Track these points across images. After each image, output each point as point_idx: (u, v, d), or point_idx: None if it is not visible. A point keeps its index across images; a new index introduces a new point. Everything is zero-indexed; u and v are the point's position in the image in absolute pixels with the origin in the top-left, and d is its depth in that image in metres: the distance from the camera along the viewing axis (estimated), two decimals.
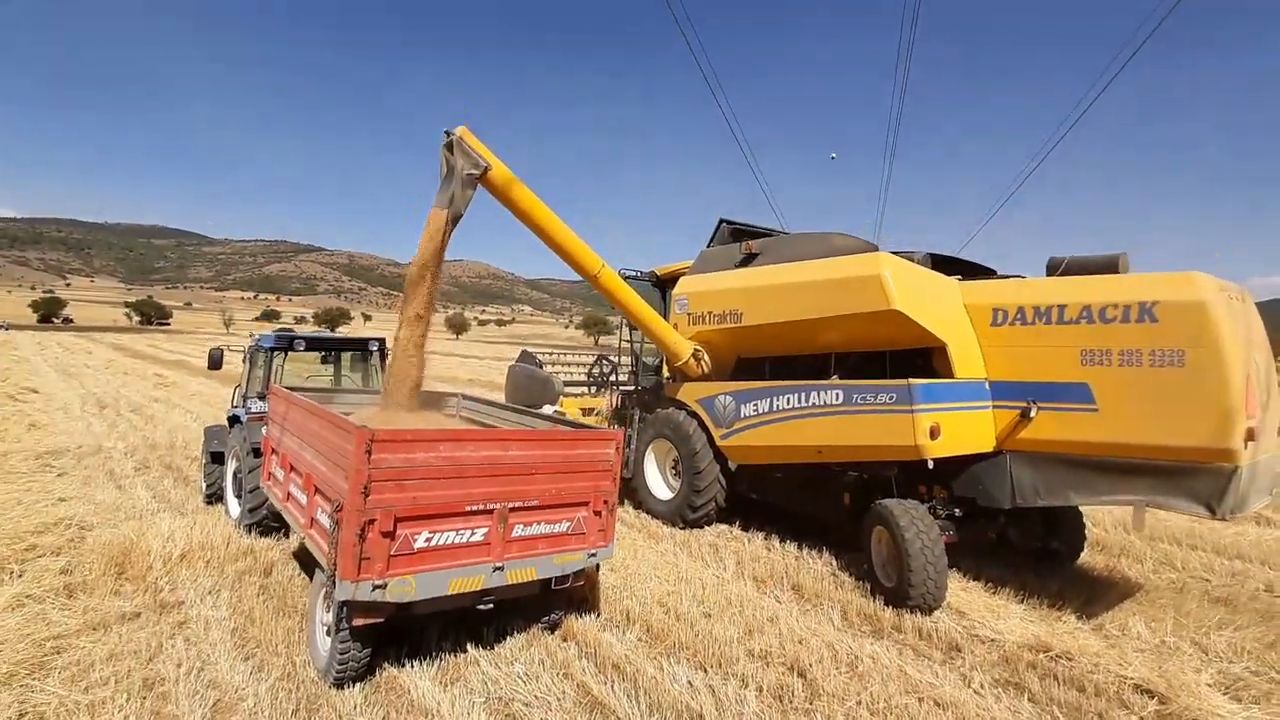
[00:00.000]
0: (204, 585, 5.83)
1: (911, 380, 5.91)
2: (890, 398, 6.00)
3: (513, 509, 4.52)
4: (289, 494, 5.31)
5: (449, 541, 4.24)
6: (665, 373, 9.05)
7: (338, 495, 4.03)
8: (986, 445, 6.20)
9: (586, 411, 9.87)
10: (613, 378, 10.24)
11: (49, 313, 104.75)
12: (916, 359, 6.52)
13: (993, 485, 6.18)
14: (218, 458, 8.17)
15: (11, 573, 5.65)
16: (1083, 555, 7.58)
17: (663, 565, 6.99)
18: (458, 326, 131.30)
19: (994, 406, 6.21)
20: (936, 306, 6.29)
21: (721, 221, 8.80)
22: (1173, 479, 5.41)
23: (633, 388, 9.68)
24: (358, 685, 4.31)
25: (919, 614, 5.83)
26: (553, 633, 5.27)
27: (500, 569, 4.45)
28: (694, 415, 8.09)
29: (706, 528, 8.41)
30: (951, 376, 6.17)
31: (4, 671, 4.06)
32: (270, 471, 6.11)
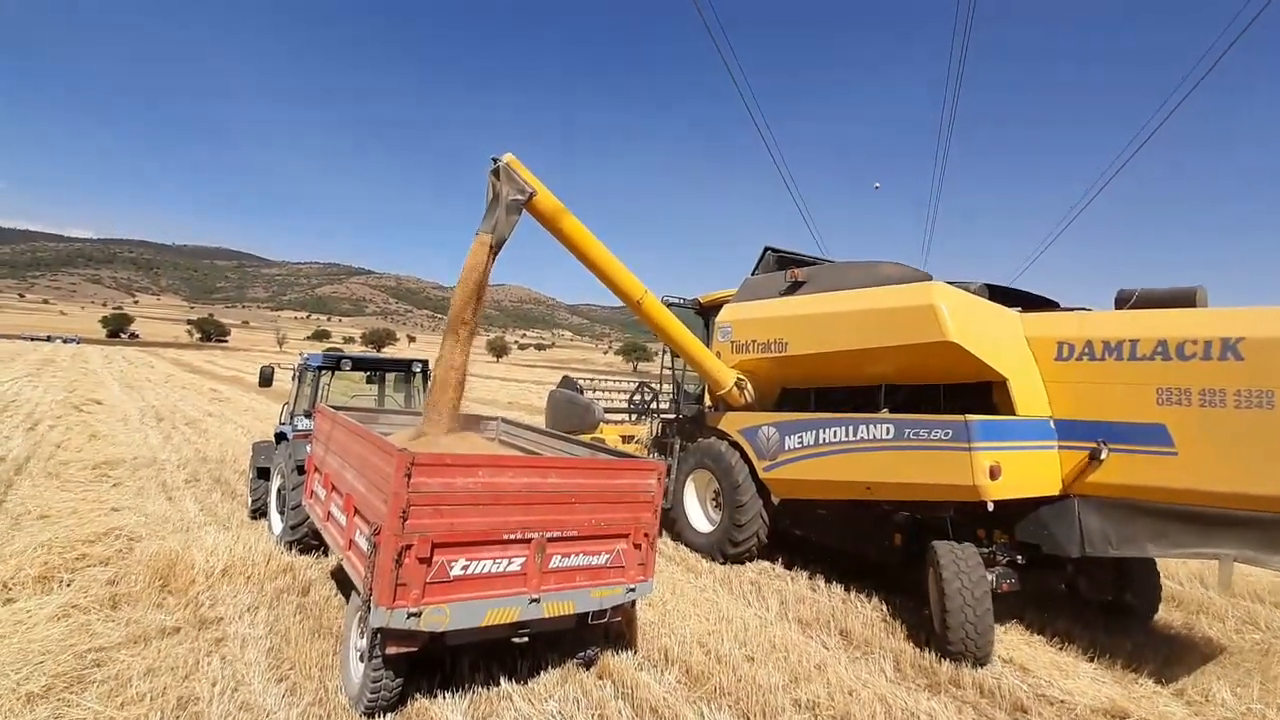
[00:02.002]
0: (243, 602, 5.84)
1: (969, 416, 5.60)
2: (946, 434, 5.68)
3: (551, 539, 4.38)
4: (329, 513, 5.30)
5: (485, 570, 4.12)
6: (707, 401, 8.86)
7: (376, 518, 3.97)
8: (1052, 488, 5.80)
9: (626, 439, 9.72)
10: (653, 405, 10.09)
11: (117, 328, 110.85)
12: (973, 394, 6.19)
13: (1059, 532, 5.76)
14: (264, 473, 8.31)
15: (61, 581, 5.77)
16: (1158, 611, 7.01)
17: (702, 602, 6.72)
18: (498, 350, 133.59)
19: (1060, 447, 5.82)
20: (996, 339, 5.98)
21: (767, 249, 8.66)
22: (1266, 532, 4.94)
23: (674, 416, 9.50)
24: (388, 716, 4.20)
25: (979, 668, 5.43)
26: (588, 669, 5.07)
27: (537, 601, 4.31)
28: (736, 446, 7.86)
29: (748, 563, 8.10)
30: (1013, 413, 5.82)
31: (43, 684, 4.08)
32: (312, 490, 6.14)
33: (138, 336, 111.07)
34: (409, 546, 3.79)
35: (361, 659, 4.23)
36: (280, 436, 7.98)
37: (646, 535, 4.86)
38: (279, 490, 7.54)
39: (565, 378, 10.19)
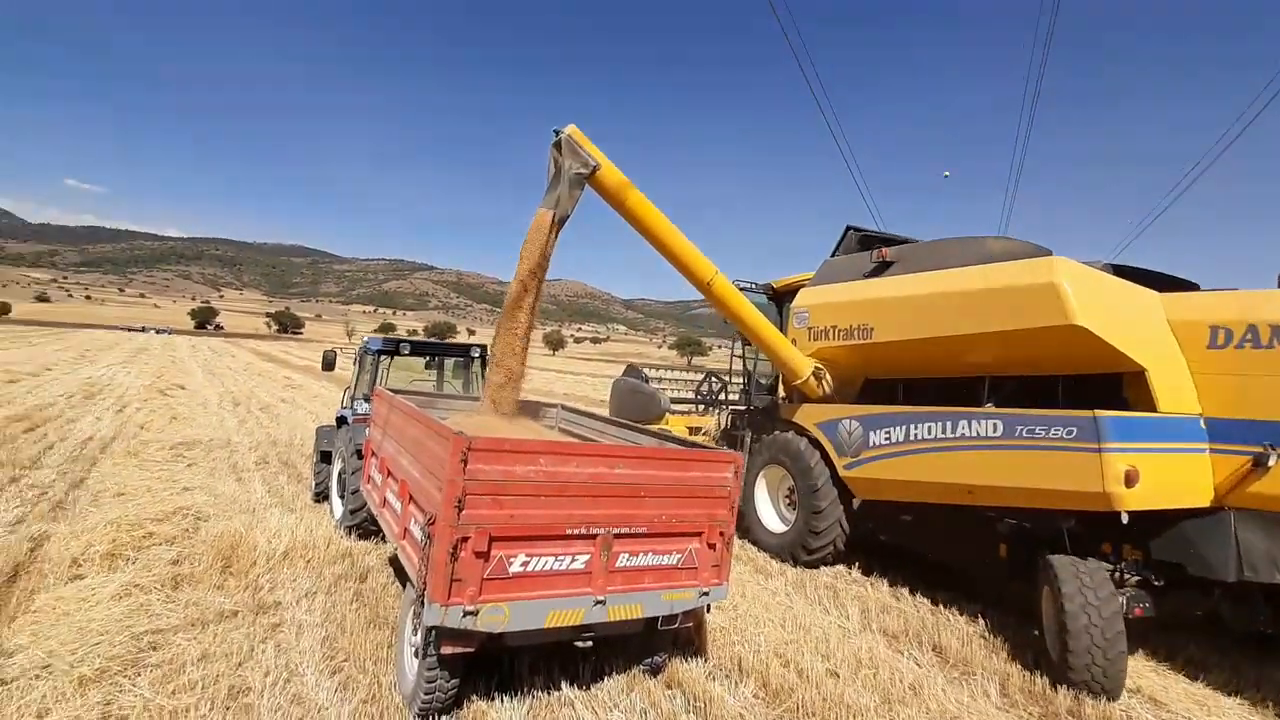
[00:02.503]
0: (301, 587, 5.70)
1: (1099, 412, 4.82)
2: (1069, 432, 4.93)
3: (618, 535, 3.96)
4: (385, 500, 5.06)
5: (547, 568, 3.74)
6: (781, 392, 8.26)
7: (431, 507, 3.65)
8: (1202, 499, 4.96)
9: (693, 431, 9.22)
10: (722, 396, 9.53)
11: (204, 320, 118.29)
12: (1100, 387, 5.39)
13: (1210, 551, 4.90)
14: (326, 457, 8.27)
15: (128, 559, 5.78)
16: None
17: (775, 607, 6.19)
18: (555, 343, 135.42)
19: (1213, 450, 4.97)
20: (1131, 323, 5.16)
21: (849, 229, 7.97)
22: None
23: (744, 407, 8.92)
24: (443, 718, 3.89)
25: (1104, 698, 4.70)
26: (654, 676, 4.64)
27: (602, 603, 3.90)
28: (813, 441, 7.25)
29: (822, 567, 7.50)
30: (1153, 409, 5.01)
31: (98, 666, 3.96)
32: (370, 474, 5.94)
33: (222, 328, 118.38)
34: (465, 539, 3.44)
35: (416, 655, 3.94)
36: (341, 420, 7.91)
37: (722, 534, 4.38)
38: (339, 474, 7.45)
39: (630, 366, 9.79)
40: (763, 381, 8.89)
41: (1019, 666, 5.26)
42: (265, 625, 4.96)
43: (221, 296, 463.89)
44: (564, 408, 7.34)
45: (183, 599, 5.18)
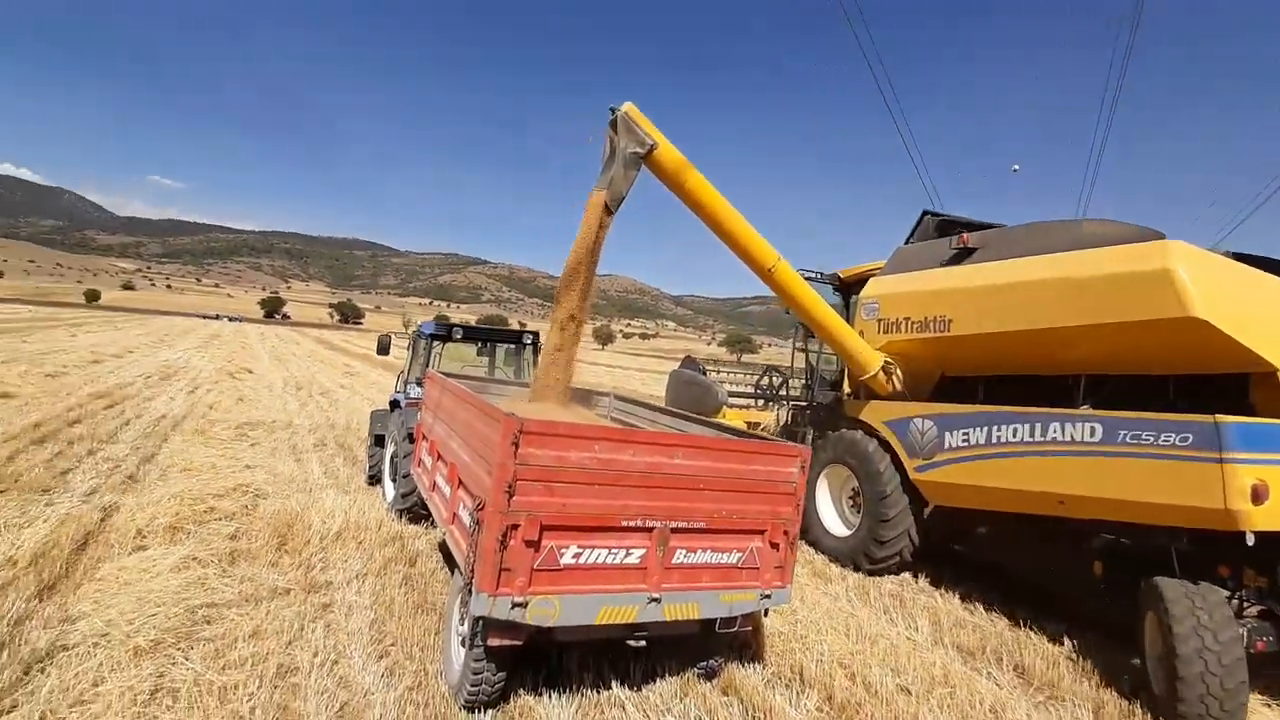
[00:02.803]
0: (352, 568, 5.68)
1: (1221, 417, 4.25)
2: (1183, 439, 4.37)
3: (675, 529, 3.71)
4: (434, 483, 4.95)
5: (600, 561, 3.52)
6: (846, 388, 7.83)
7: (480, 492, 3.47)
8: None
9: (751, 426, 8.86)
10: (782, 391, 9.12)
11: (272, 309, 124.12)
12: (1219, 389, 4.79)
13: None
14: (380, 441, 8.33)
15: (189, 533, 5.88)
16: None
17: (837, 614, 5.82)
18: (604, 338, 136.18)
19: None
20: (1260, 316, 4.55)
21: (925, 214, 7.45)
22: None
23: (806, 403, 8.50)
24: (489, 712, 3.72)
25: None
26: (709, 680, 4.38)
27: (657, 601, 3.65)
28: (881, 440, 6.80)
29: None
30: None
31: (152, 638, 3.97)
32: (420, 458, 5.87)
33: (289, 317, 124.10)
34: (515, 526, 3.25)
35: (463, 644, 3.80)
36: (394, 404, 7.93)
37: (786, 533, 4.07)
38: (391, 457, 7.46)
39: (687, 357, 9.50)
40: (826, 376, 8.44)
41: (1113, 694, 4.74)
42: (316, 605, 4.94)
43: (289, 287, 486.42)
44: (617, 396, 7.14)
45: (238, 574, 5.21)
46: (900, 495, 6.53)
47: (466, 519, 3.61)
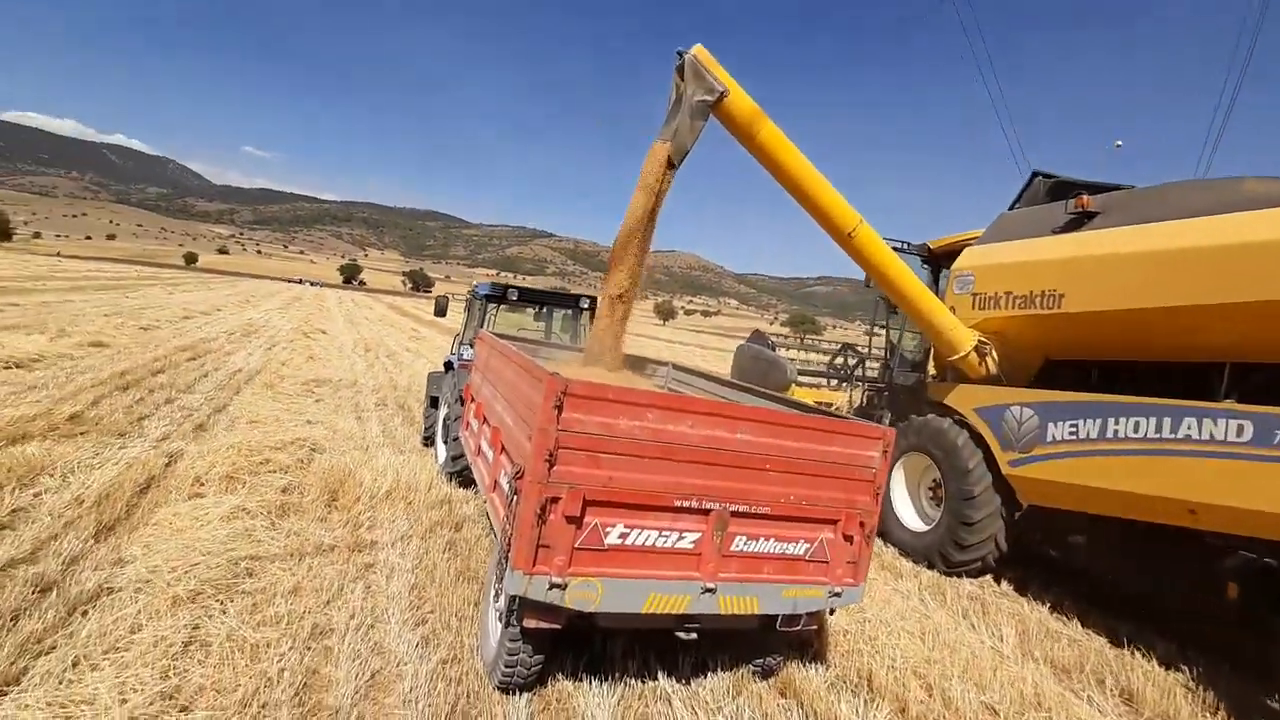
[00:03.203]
0: (398, 529, 5.56)
1: None
2: None
3: (735, 513, 3.28)
4: (479, 448, 4.69)
5: (649, 543, 3.13)
6: (931, 369, 7.11)
7: (520, 458, 3.14)
8: None
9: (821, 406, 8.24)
10: (858, 371, 8.42)
11: (350, 276, 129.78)
12: None
13: None
14: (435, 403, 8.25)
15: (243, 483, 5.89)
16: None
17: (910, 615, 5.28)
18: (665, 313, 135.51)
19: None
20: None
21: (1036, 175, 6.55)
22: None
23: (884, 384, 7.81)
24: (524, 695, 3.45)
25: None
26: (765, 679, 3.97)
27: (711, 591, 3.25)
28: (969, 429, 6.10)
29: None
30: None
31: (192, 588, 3.89)
32: (468, 421, 5.65)
33: (364, 284, 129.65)
34: (555, 499, 2.90)
35: (500, 620, 3.53)
36: (448, 366, 7.79)
37: (862, 525, 3.57)
38: (444, 419, 7.34)
39: (756, 332, 8.93)
40: (908, 355, 7.70)
41: None
42: (359, 564, 4.81)
43: (366, 255, 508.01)
44: (675, 366, 6.71)
45: (286, 527, 5.15)
46: (989, 492, 5.84)
47: (506, 488, 3.29)
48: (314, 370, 14.04)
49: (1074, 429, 5.06)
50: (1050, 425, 5.28)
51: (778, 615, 3.49)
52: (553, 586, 2.93)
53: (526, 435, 3.08)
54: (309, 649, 3.61)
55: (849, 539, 3.56)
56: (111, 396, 8.98)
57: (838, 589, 3.56)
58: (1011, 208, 6.59)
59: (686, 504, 3.17)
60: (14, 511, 4.84)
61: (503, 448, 3.76)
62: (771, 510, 3.35)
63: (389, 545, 5.21)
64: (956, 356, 6.18)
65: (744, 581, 3.35)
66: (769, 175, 5.68)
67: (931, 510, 6.51)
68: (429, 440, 8.37)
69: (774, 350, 8.22)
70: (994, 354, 6.11)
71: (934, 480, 6.48)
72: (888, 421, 7.07)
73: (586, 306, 7.84)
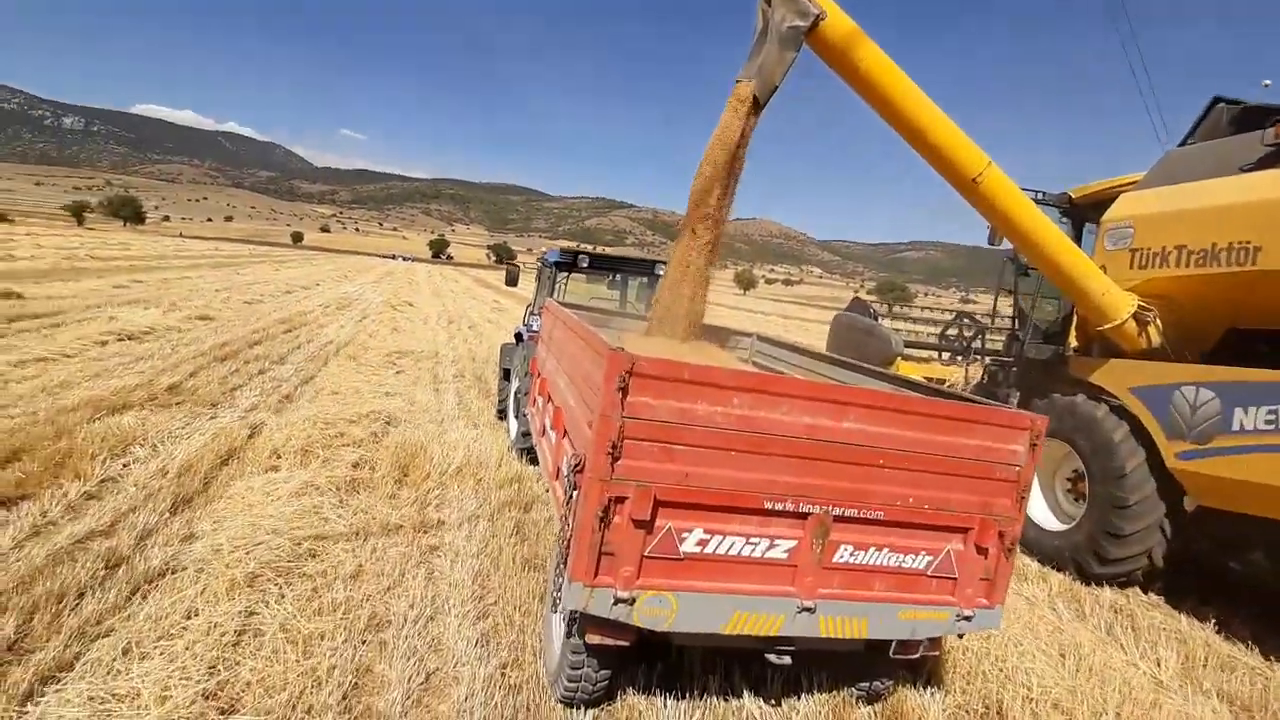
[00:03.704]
0: (467, 508, 5.32)
1: None
2: None
3: (839, 518, 2.68)
4: (544, 427, 4.29)
5: (735, 552, 2.60)
6: (1073, 340, 6.06)
7: (581, 448, 2.67)
8: None
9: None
10: (977, 344, 7.36)
11: (438, 251, 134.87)
12: None
13: None
14: (508, 375, 8.01)
15: (317, 457, 5.82)
16: None
17: (1041, 629, 4.49)
18: (746, 283, 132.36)
19: None
20: None
21: (1216, 101, 5.29)
22: None
23: (1010, 358, 6.75)
24: (589, 712, 3.05)
25: None
26: (871, 705, 3.39)
27: (810, 611, 2.68)
28: (1123, 413, 5.10)
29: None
30: None
31: (252, 570, 3.73)
32: (535, 397, 5.27)
33: (452, 258, 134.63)
34: (621, 500, 2.41)
35: (563, 622, 3.13)
36: (518, 337, 7.48)
37: (1001, 535, 2.87)
38: (515, 393, 7.06)
39: (856, 299, 8.04)
40: (1042, 325, 6.59)
41: None
42: (423, 546, 4.58)
43: (453, 231, 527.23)
44: (760, 338, 6.06)
45: (354, 505, 5.01)
46: (1150, 500, 4.84)
47: (565, 480, 2.84)
48: (398, 342, 14.31)
49: (1274, 417, 4.02)
50: (1237, 411, 4.24)
51: (892, 641, 2.88)
52: (618, 602, 2.46)
53: (587, 421, 2.60)
54: (364, 643, 3.36)
55: (983, 552, 2.88)
56: (210, 367, 9.36)
57: (967, 612, 2.90)
58: (1184, 143, 5.37)
59: (779, 506, 2.60)
60: (103, 481, 4.94)
61: (565, 431, 3.31)
62: (886, 516, 2.73)
63: (455, 526, 4.97)
64: (1109, 325, 5.12)
65: (850, 600, 2.76)
66: (878, 116, 4.85)
67: (1069, 507, 5.54)
68: (502, 414, 8.17)
69: (876, 320, 7.28)
70: (1158, 322, 5.03)
71: (1074, 471, 5.49)
72: (1015, 402, 6.07)
73: (663, 273, 7.28)
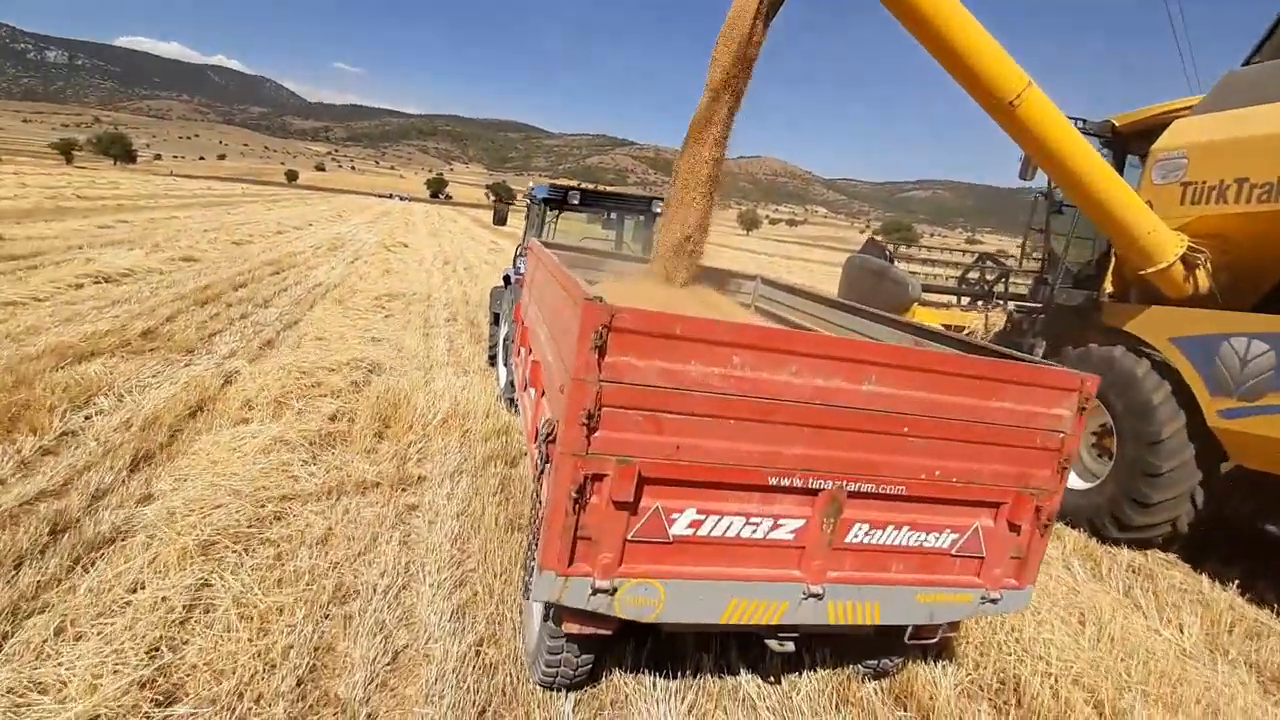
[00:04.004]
0: (450, 462, 5.02)
1: None
2: None
3: (853, 494, 2.31)
4: (525, 382, 3.90)
5: (732, 534, 2.25)
6: (1108, 285, 5.57)
7: (556, 413, 2.28)
8: None
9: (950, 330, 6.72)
10: (998, 288, 6.80)
11: (436, 190, 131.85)
12: None
13: None
14: (497, 319, 7.60)
15: (290, 409, 5.48)
16: None
17: (1058, 593, 4.23)
18: (749, 223, 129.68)
19: None
20: None
21: None
22: None
23: (1038, 304, 6.22)
24: (571, 696, 2.79)
25: None
26: (877, 680, 3.14)
27: (818, 597, 2.36)
28: (1165, 369, 4.70)
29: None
30: None
31: (207, 537, 3.42)
32: (518, 347, 4.87)
33: (450, 198, 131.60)
34: (598, 477, 2.04)
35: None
36: (507, 280, 7.02)
37: (1039, 511, 2.51)
38: (504, 339, 6.66)
39: (870, 239, 7.46)
40: (1073, 268, 6.04)
41: None
42: (401, 506, 4.29)
43: (451, 170, 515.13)
44: (764, 280, 5.60)
45: (327, 461, 4.69)
46: (1185, 469, 4.46)
47: (539, 451, 2.47)
48: (389, 284, 13.82)
49: None
50: None
51: (908, 627, 2.57)
52: (597, 592, 2.13)
53: (560, 385, 2.20)
54: (326, 617, 3.09)
55: (1015, 529, 2.53)
56: (189, 311, 8.95)
57: (994, 594, 2.57)
58: (1248, 61, 4.72)
59: (786, 482, 2.23)
60: (62, 435, 4.61)
61: (542, 391, 2.92)
62: (907, 490, 2.36)
63: (437, 483, 4.66)
64: (1154, 268, 4.62)
65: (863, 583, 2.43)
66: (901, 24, 4.22)
67: (1095, 464, 5.19)
68: (494, 359, 7.81)
69: (892, 262, 6.71)
70: (1208, 265, 4.53)
71: (1101, 426, 5.11)
72: (1040, 353, 5.61)
73: (661, 211, 6.73)
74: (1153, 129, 5.09)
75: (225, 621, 2.91)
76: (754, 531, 2.26)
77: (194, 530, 3.46)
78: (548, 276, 3.22)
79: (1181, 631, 3.99)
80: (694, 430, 2.10)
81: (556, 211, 6.62)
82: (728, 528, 2.23)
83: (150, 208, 27.13)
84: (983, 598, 2.57)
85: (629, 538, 2.14)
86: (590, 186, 6.88)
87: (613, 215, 7.31)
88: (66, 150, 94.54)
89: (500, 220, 8.20)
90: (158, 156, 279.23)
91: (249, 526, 3.64)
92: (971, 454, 2.40)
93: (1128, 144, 5.47)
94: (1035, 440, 2.46)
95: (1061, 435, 2.48)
